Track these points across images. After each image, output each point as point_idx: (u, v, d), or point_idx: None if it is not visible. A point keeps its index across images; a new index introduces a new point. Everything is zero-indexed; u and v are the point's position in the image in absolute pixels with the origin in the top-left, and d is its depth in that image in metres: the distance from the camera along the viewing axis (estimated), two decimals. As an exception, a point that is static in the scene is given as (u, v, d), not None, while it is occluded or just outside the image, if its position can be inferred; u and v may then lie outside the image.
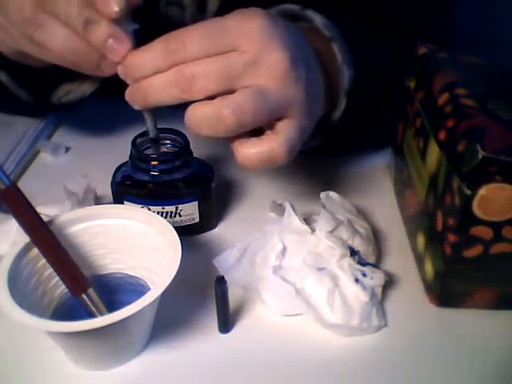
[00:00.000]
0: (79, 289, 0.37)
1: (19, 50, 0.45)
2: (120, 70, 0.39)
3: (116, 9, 0.38)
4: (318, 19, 0.47)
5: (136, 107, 0.40)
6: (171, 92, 0.37)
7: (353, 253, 0.42)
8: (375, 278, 0.41)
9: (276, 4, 0.50)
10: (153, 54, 0.38)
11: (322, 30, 0.47)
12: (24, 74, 0.52)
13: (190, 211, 0.46)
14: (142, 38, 0.44)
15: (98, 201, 0.47)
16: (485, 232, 0.37)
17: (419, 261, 0.46)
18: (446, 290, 0.42)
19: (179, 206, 0.46)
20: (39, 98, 0.56)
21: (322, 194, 0.47)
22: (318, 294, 0.40)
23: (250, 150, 0.39)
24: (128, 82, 0.39)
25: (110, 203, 0.47)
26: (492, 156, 0.35)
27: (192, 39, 0.37)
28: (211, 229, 0.50)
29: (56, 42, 0.40)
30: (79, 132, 0.63)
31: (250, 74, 0.37)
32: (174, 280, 0.34)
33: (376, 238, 0.47)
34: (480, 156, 0.35)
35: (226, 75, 0.37)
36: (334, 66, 0.47)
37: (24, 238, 0.37)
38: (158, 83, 0.38)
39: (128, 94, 0.40)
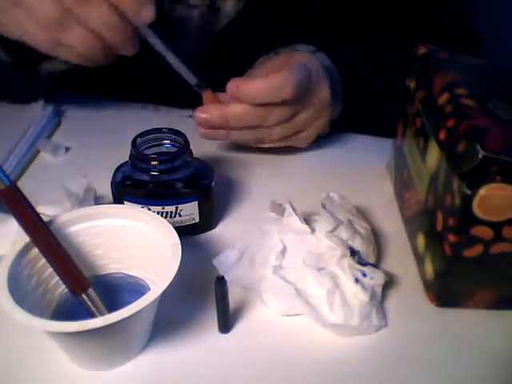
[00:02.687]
0: (79, 289, 0.37)
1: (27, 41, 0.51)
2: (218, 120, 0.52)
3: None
4: (322, 60, 0.57)
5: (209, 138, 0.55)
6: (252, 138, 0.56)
7: (353, 253, 0.42)
8: (375, 278, 0.41)
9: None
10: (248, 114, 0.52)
11: (327, 72, 0.57)
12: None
13: (189, 211, 0.46)
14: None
15: (97, 201, 0.47)
16: (485, 232, 0.37)
17: (419, 261, 0.46)
18: (446, 290, 0.42)
19: (179, 205, 0.46)
20: (21, 61, 0.58)
21: (322, 194, 0.47)
22: (318, 294, 0.40)
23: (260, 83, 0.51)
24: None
25: (110, 203, 0.47)
26: (492, 156, 0.35)
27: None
28: (211, 229, 0.50)
29: (82, 46, 0.50)
30: (79, 132, 0.63)
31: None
32: (173, 280, 0.34)
33: (376, 238, 0.47)
34: (480, 156, 0.35)
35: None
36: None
37: (24, 238, 0.37)
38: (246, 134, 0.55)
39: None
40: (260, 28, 0.57)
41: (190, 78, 0.55)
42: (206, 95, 0.55)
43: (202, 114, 0.53)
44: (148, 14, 0.51)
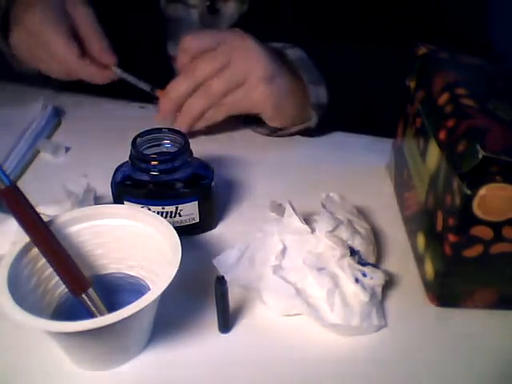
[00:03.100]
0: (79, 289, 0.37)
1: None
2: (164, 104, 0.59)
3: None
4: (291, 54, 0.60)
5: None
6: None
7: (353, 253, 0.42)
8: (375, 278, 0.41)
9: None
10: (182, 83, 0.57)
11: (293, 62, 0.60)
12: None
13: (189, 211, 0.46)
14: (140, 37, 0.60)
15: (97, 201, 0.47)
16: (485, 232, 0.37)
17: (419, 261, 0.46)
18: (446, 290, 0.42)
19: (179, 206, 0.46)
20: None
21: (322, 194, 0.47)
22: (318, 294, 0.40)
23: None
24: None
25: (110, 203, 0.47)
26: (492, 156, 0.35)
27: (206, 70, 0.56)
28: (211, 229, 0.50)
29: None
30: (79, 132, 0.63)
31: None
32: (173, 280, 0.34)
33: (376, 238, 0.47)
34: (480, 156, 0.35)
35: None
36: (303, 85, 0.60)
37: (24, 238, 0.37)
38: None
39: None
40: (263, 31, 0.58)
41: (144, 86, 0.61)
42: (160, 94, 0.59)
43: (159, 110, 0.59)
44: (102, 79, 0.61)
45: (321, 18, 0.65)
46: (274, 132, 0.62)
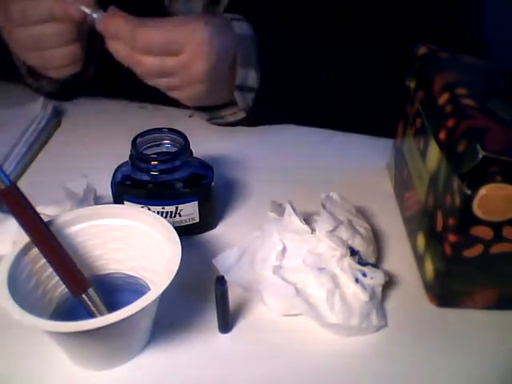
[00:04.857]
0: (79, 289, 0.37)
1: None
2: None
3: None
4: (236, 27, 0.58)
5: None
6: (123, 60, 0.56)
7: (353, 253, 0.42)
8: (375, 278, 0.41)
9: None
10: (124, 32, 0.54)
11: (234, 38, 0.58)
12: None
13: (189, 211, 0.46)
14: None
15: (97, 201, 0.47)
16: (485, 232, 0.37)
17: (419, 261, 0.46)
18: (446, 290, 0.42)
19: (179, 206, 0.46)
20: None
21: (322, 194, 0.47)
22: (318, 294, 0.40)
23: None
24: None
25: (110, 203, 0.47)
26: (492, 156, 0.35)
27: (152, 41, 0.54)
28: (211, 229, 0.50)
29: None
30: (79, 132, 0.63)
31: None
32: (173, 280, 0.34)
33: (376, 238, 0.47)
34: (480, 156, 0.35)
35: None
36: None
37: (24, 238, 0.37)
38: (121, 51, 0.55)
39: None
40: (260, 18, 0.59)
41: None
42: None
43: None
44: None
45: (315, 13, 0.65)
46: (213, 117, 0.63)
